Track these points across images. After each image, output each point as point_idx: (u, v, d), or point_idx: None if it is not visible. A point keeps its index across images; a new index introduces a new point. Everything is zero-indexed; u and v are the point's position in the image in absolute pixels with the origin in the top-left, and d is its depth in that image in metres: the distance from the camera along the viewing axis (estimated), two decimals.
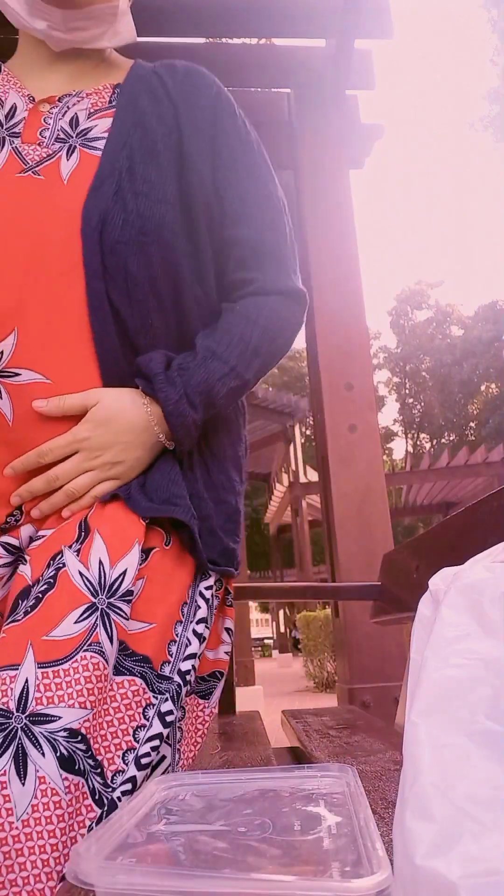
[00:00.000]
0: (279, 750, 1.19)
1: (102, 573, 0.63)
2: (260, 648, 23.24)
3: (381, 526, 2.59)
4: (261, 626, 34.16)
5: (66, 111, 0.77)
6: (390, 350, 35.65)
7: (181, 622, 0.69)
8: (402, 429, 35.38)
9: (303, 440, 15.59)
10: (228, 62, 3.06)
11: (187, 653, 0.68)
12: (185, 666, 0.68)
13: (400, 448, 35.35)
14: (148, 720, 0.62)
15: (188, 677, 0.67)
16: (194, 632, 0.70)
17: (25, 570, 0.65)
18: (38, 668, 0.56)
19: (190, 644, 0.69)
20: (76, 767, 0.54)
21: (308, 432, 22.98)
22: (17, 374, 0.68)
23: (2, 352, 0.67)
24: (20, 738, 0.52)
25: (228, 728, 1.25)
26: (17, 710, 0.54)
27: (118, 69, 0.84)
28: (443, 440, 32.93)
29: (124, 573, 0.64)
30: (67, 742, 0.54)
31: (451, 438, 32.55)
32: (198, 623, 0.71)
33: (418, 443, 34.75)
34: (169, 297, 0.73)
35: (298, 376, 30.87)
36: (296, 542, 12.68)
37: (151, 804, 0.42)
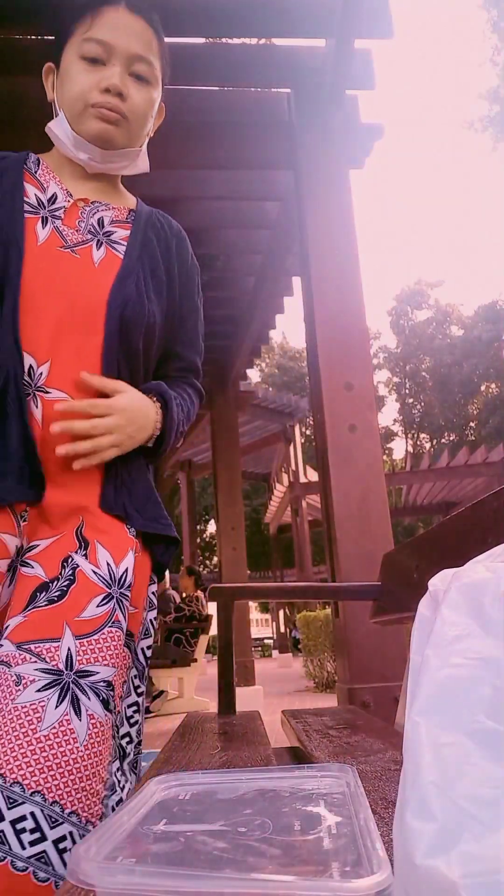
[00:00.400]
0: (279, 750, 1.20)
1: (111, 571, 0.88)
2: (260, 648, 23.25)
3: (381, 526, 2.59)
4: (261, 626, 34.17)
5: (95, 212, 1.04)
6: (390, 350, 35.66)
7: (145, 610, 0.98)
8: (402, 429, 35.40)
9: (303, 440, 15.58)
10: (228, 62, 3.06)
11: (149, 641, 0.97)
12: (148, 652, 0.97)
13: (400, 448, 35.38)
14: (128, 680, 0.91)
15: (147, 662, 0.97)
16: (150, 621, 1.00)
17: (36, 572, 0.86)
18: (76, 639, 0.81)
19: (150, 632, 0.98)
20: (110, 708, 0.81)
21: (308, 432, 23.00)
22: (48, 392, 0.92)
23: (42, 373, 0.91)
24: (72, 689, 0.78)
25: (228, 728, 1.25)
26: (67, 669, 0.79)
27: (126, 197, 1.13)
28: (443, 440, 32.94)
29: (126, 570, 0.89)
30: (106, 690, 0.80)
31: (451, 438, 32.56)
32: (154, 613, 1.02)
33: (418, 443, 34.76)
34: (144, 363, 1.03)
35: (298, 376, 30.89)
36: (296, 542, 12.69)
37: (151, 804, 0.42)
